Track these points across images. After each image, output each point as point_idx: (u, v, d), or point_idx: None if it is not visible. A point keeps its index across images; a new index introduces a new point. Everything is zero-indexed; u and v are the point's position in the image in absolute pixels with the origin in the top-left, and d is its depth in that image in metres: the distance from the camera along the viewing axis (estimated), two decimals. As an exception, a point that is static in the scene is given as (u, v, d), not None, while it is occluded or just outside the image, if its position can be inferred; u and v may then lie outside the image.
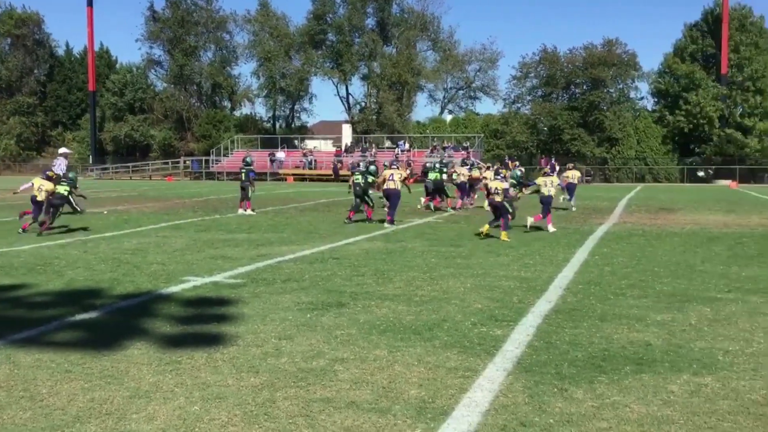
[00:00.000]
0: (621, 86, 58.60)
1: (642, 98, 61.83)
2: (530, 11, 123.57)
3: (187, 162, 60.31)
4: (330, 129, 68.86)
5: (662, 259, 11.05)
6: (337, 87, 67.40)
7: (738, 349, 5.84)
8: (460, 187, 21.97)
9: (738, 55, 55.38)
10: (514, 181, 16.13)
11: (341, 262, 10.50)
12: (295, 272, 9.59)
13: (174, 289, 8.38)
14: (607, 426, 4.20)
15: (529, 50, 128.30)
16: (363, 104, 67.19)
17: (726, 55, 54.71)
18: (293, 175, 52.00)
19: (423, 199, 21.84)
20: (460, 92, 69.94)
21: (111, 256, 11.14)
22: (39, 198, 14.41)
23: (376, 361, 5.49)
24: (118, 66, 71.49)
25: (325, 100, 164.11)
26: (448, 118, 66.92)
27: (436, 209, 21.05)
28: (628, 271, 9.85)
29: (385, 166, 19.17)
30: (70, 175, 15.77)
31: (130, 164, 61.73)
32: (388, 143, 59.87)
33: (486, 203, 21.59)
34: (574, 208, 21.32)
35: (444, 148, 51.29)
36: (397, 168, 18.16)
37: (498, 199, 13.96)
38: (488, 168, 23.82)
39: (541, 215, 15.29)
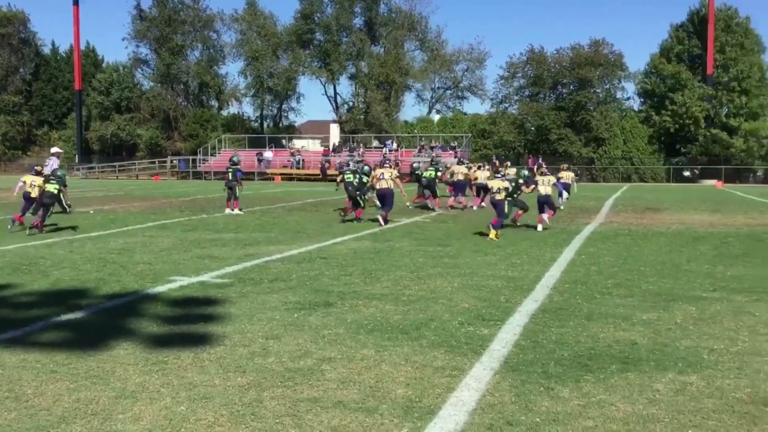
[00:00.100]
0: (608, 86, 58.99)
1: (628, 98, 62.34)
2: (517, 11, 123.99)
3: (174, 161, 60.10)
4: (318, 129, 68.81)
5: (648, 258, 11.11)
6: (324, 86, 67.48)
7: (723, 348, 5.88)
8: (457, 185, 22.00)
9: (724, 56, 55.80)
10: (522, 180, 16.28)
11: (329, 262, 10.49)
12: (282, 272, 9.57)
13: (160, 288, 8.34)
14: (593, 425, 4.22)
15: (516, 50, 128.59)
16: (351, 104, 67.26)
17: (712, 56, 55.11)
18: (281, 174, 51.92)
19: (411, 198, 21.96)
20: (448, 92, 70.16)
21: (97, 255, 11.08)
22: (33, 194, 14.60)
23: (364, 360, 5.49)
24: (104, 65, 71.22)
25: (313, 100, 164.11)
26: (436, 117, 67.11)
27: (418, 207, 21.17)
28: (614, 270, 9.90)
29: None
30: (59, 173, 15.72)
31: (116, 164, 61.45)
32: (375, 143, 59.92)
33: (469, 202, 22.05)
34: (562, 207, 21.44)
35: (432, 148, 51.38)
36: (389, 167, 18.20)
37: (499, 197, 14.03)
38: (479, 167, 23.96)
39: (539, 214, 15.59)
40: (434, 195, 21.62)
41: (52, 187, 14.65)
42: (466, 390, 4.80)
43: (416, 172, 25.25)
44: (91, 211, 19.72)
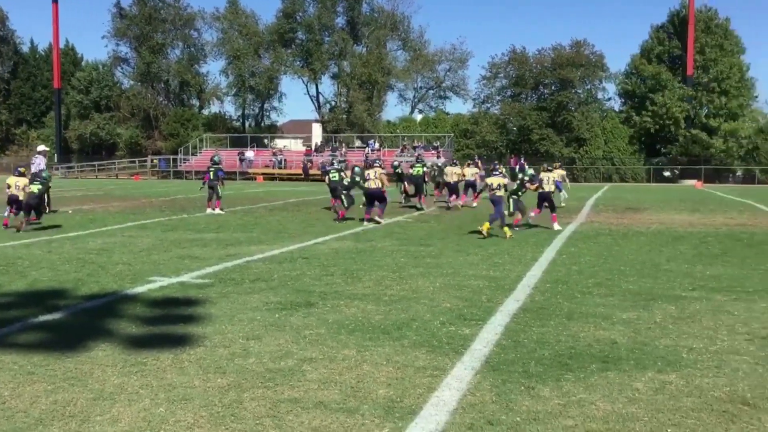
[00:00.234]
0: (589, 87, 59.35)
1: (609, 99, 62.72)
2: (499, 12, 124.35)
3: (155, 161, 59.69)
4: (300, 128, 68.68)
5: (628, 258, 11.19)
6: (307, 86, 67.31)
7: (702, 347, 5.92)
8: (451, 186, 22.17)
9: (703, 57, 56.31)
10: (527, 178, 16.48)
11: (310, 262, 10.46)
12: (263, 272, 9.53)
13: (140, 289, 8.28)
14: (573, 424, 4.23)
15: (498, 51, 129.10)
16: (333, 103, 67.16)
17: (692, 57, 55.59)
18: (263, 174, 51.73)
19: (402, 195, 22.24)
20: (430, 92, 70.24)
21: (76, 256, 10.97)
22: (21, 197, 14.60)
23: (345, 360, 5.48)
24: (83, 63, 70.57)
25: (295, 99, 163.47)
26: (419, 117, 67.13)
27: (406, 206, 21.26)
28: (595, 270, 9.95)
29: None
30: (44, 174, 15.77)
31: (95, 163, 60.95)
32: (358, 143, 59.88)
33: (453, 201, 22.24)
34: (563, 204, 21.72)
35: (414, 148, 51.41)
36: (380, 166, 18.34)
37: (499, 193, 14.15)
38: (468, 165, 24.17)
39: (538, 209, 15.94)
40: (421, 192, 21.77)
41: (35, 188, 14.68)
42: (447, 390, 4.80)
43: (396, 170, 25.36)
44: (70, 211, 19.53)
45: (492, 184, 14.36)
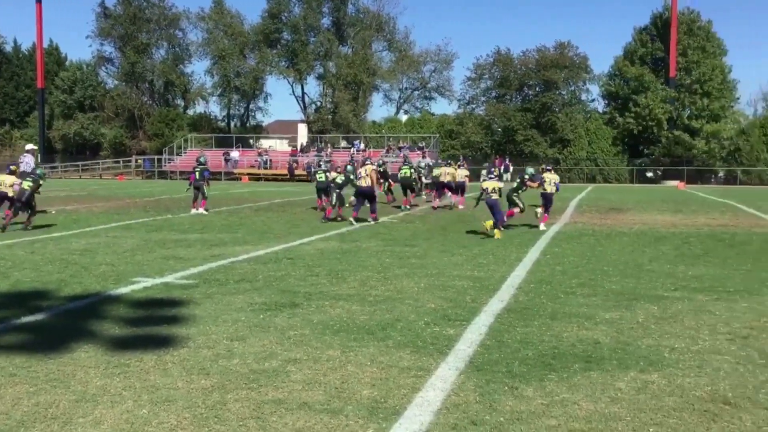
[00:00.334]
0: (573, 88, 59.59)
1: (593, 100, 62.99)
2: (484, 13, 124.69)
3: (139, 161, 59.35)
4: (285, 128, 68.48)
5: (611, 258, 11.26)
6: (292, 86, 67.14)
7: (684, 347, 5.97)
8: (447, 186, 22.36)
9: (686, 59, 56.70)
10: (528, 177, 16.71)
11: (295, 262, 10.45)
12: (248, 272, 9.51)
13: (123, 290, 8.24)
14: (556, 423, 4.26)
15: (483, 52, 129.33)
16: (318, 104, 67.02)
17: (674, 59, 55.97)
18: (248, 174, 51.56)
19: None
20: (416, 92, 70.22)
21: (59, 256, 10.90)
22: (10, 194, 14.72)
23: (329, 361, 5.48)
24: (67, 63, 69.94)
25: (281, 100, 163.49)
26: (404, 118, 67.20)
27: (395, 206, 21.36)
28: (578, 270, 10.01)
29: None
30: (38, 171, 15.99)
31: (79, 163, 60.50)
32: (343, 143, 59.83)
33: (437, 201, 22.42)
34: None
35: (399, 148, 51.45)
36: (371, 164, 18.44)
37: (495, 197, 14.23)
38: (459, 166, 24.35)
39: (547, 215, 16.05)
40: (412, 190, 22.11)
41: (26, 185, 14.83)
42: (431, 390, 4.81)
43: (381, 168, 25.42)
44: (53, 212, 19.38)
45: (487, 189, 14.42)
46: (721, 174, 56.43)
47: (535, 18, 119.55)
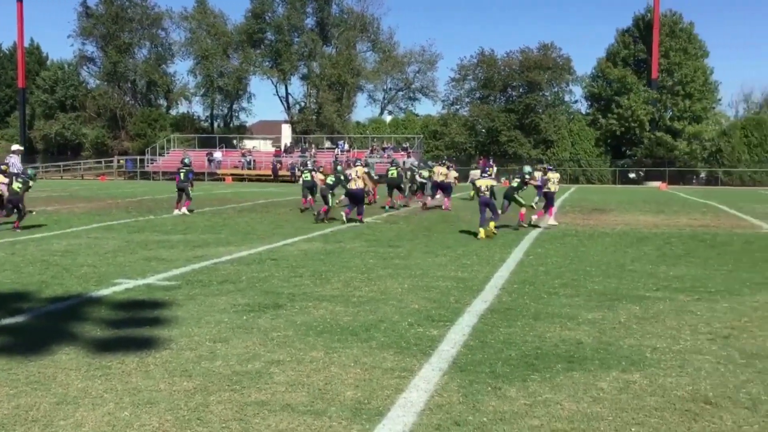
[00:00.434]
0: (556, 89, 59.95)
1: (576, 101, 63.38)
2: (468, 14, 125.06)
3: (121, 161, 58.94)
4: (269, 129, 68.29)
5: (594, 258, 11.32)
6: (276, 87, 66.99)
7: (665, 347, 6.01)
8: (442, 186, 22.59)
9: (668, 60, 57.13)
10: (528, 176, 16.96)
11: (279, 263, 10.42)
12: (231, 274, 9.47)
13: (105, 291, 8.17)
14: (539, 423, 4.27)
15: (467, 53, 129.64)
16: (302, 104, 66.92)
17: (656, 60, 56.39)
18: (232, 175, 51.36)
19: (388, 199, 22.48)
20: (400, 93, 70.33)
21: (40, 258, 10.80)
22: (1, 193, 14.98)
23: (313, 362, 5.47)
24: (49, 62, 69.41)
25: (264, 100, 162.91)
26: (388, 118, 67.27)
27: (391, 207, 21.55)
28: (561, 270, 10.05)
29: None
30: (29, 172, 16.01)
31: (61, 163, 60.01)
32: (327, 143, 59.76)
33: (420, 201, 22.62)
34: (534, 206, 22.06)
35: (384, 149, 51.48)
36: (361, 165, 18.57)
37: (488, 194, 14.38)
38: (448, 168, 24.54)
39: (542, 211, 16.41)
40: (400, 191, 22.50)
41: (16, 186, 14.94)
42: (414, 391, 4.81)
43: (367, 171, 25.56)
44: (34, 212, 19.19)
45: (481, 186, 14.54)
46: (702, 175, 56.92)
47: (518, 19, 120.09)
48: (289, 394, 4.75)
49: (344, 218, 16.64)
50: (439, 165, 24.38)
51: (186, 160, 20.39)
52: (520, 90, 59.06)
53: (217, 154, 54.42)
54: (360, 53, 66.89)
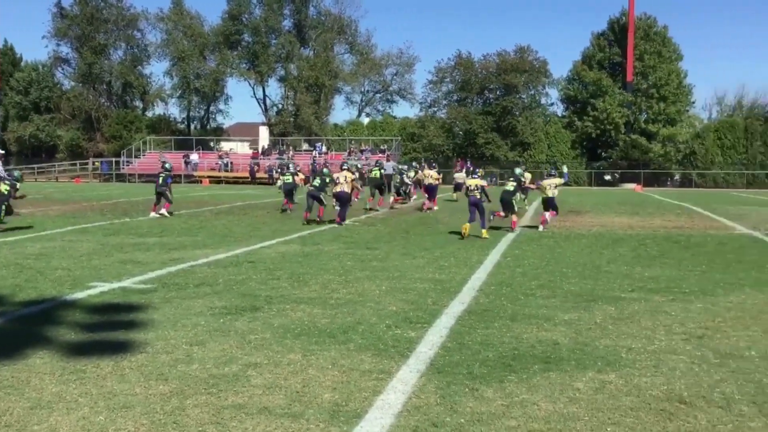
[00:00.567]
0: (532, 92, 60.34)
1: (552, 104, 63.85)
2: (445, 17, 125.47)
3: (96, 163, 58.37)
4: (247, 131, 68.04)
5: (570, 260, 11.40)
6: (253, 89, 66.79)
7: (640, 347, 6.07)
8: (430, 188, 22.81)
9: (642, 63, 57.77)
10: (524, 180, 17.25)
11: (256, 266, 10.37)
12: (208, 276, 9.41)
13: (79, 295, 8.08)
14: (516, 424, 4.29)
15: (444, 56, 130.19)
16: (280, 106, 66.74)
17: (631, 63, 56.99)
18: (209, 177, 51.09)
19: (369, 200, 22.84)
20: (378, 95, 70.41)
21: (13, 261, 10.66)
22: None
23: (290, 365, 5.45)
24: (23, 64, 68.61)
25: (242, 102, 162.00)
26: (366, 121, 67.26)
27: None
28: (538, 272, 10.11)
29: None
30: (16, 173, 15.90)
31: (35, 165, 59.21)
32: (305, 146, 59.64)
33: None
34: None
35: (361, 151, 51.50)
36: (348, 170, 18.62)
37: (478, 194, 14.48)
38: (439, 172, 24.90)
39: (545, 216, 16.47)
40: (381, 192, 22.82)
41: (3, 188, 14.90)
42: (392, 393, 4.81)
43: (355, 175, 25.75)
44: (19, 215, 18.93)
45: (470, 186, 14.64)
46: (676, 177, 57.62)
47: (495, 22, 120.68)
48: (267, 397, 4.73)
49: (337, 221, 16.72)
50: (430, 167, 24.66)
51: (167, 165, 20.41)
52: (497, 92, 59.38)
53: (194, 156, 54.10)
54: (338, 55, 66.94)
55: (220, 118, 69.61)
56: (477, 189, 14.58)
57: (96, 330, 6.48)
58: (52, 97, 64.62)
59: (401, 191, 24.48)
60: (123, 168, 55.04)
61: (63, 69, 67.20)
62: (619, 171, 56.41)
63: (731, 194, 41.21)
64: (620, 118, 56.28)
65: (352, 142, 55.87)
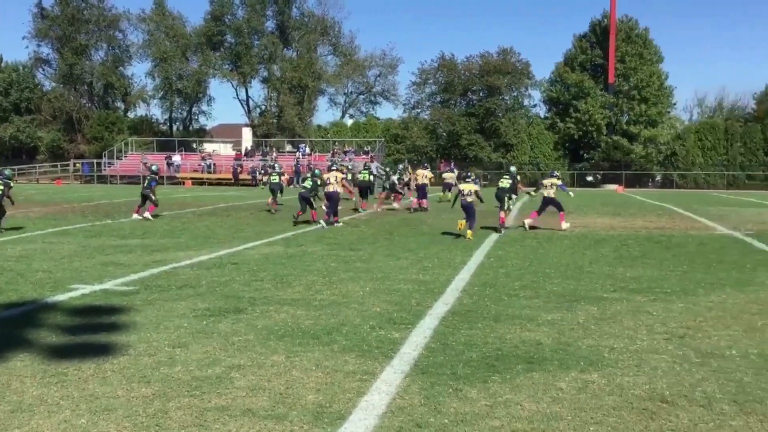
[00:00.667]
0: (515, 94, 60.68)
1: (535, 106, 64.21)
2: (429, 19, 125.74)
3: (78, 165, 57.92)
4: (230, 132, 67.78)
5: (553, 260, 11.45)
6: (236, 90, 66.62)
7: (623, 347, 6.10)
8: (420, 189, 23.05)
9: (624, 65, 58.20)
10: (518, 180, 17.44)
11: (240, 267, 10.33)
12: (191, 278, 9.37)
13: (61, 297, 8.02)
14: (500, 424, 4.30)
15: (427, 57, 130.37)
16: (263, 108, 66.58)
17: (613, 65, 57.38)
18: (191, 179, 50.83)
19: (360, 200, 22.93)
20: (361, 97, 70.49)
21: (-7, 263, 10.55)
22: None
23: (274, 366, 5.43)
24: (3, 64, 67.92)
25: (225, 103, 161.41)
26: (349, 122, 67.31)
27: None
28: (521, 272, 10.15)
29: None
30: (6, 172, 15.83)
31: (15, 167, 58.36)
32: (289, 147, 59.52)
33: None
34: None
35: (345, 152, 51.47)
36: (338, 170, 18.75)
37: (469, 200, 14.60)
38: (424, 167, 25.03)
39: (537, 213, 16.73)
40: (365, 196, 22.92)
41: None
42: (376, 394, 4.81)
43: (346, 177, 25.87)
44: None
45: (464, 190, 14.69)
46: (658, 178, 58.10)
47: (478, 24, 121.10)
48: (250, 398, 4.71)
49: (322, 223, 16.70)
50: (422, 168, 24.90)
51: (154, 168, 20.55)
52: (480, 94, 59.62)
53: (177, 158, 53.83)
54: (321, 57, 66.94)
55: (202, 120, 69.49)
56: (470, 194, 14.64)
57: (77, 332, 6.42)
58: (32, 98, 64.10)
59: (397, 190, 24.45)
60: (104, 169, 54.66)
61: (44, 70, 66.80)
62: (601, 172, 56.79)
63: (712, 195, 41.59)
64: (602, 119, 56.68)
65: (336, 143, 55.82)
